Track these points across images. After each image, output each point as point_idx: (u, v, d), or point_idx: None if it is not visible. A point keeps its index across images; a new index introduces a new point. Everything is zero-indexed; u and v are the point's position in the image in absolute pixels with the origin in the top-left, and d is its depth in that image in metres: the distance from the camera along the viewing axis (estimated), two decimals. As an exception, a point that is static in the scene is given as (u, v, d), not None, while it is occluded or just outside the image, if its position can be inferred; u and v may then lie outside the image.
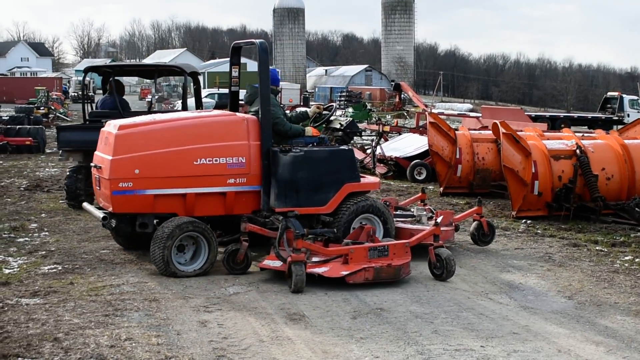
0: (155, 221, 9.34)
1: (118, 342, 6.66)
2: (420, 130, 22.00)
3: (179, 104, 49.27)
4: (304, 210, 9.65)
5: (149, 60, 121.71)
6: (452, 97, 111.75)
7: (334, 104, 11.78)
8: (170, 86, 79.06)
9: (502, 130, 13.65)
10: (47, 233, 11.64)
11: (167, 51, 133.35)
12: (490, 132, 15.71)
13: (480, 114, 26.79)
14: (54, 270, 9.35)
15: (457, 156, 16.40)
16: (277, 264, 8.94)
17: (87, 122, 14.33)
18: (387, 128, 22.09)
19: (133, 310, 7.70)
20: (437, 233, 9.34)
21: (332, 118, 10.82)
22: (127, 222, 9.40)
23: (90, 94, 66.22)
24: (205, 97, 49.20)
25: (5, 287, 8.53)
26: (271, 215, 9.66)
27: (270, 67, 10.17)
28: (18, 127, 26.29)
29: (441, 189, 16.70)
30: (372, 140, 21.45)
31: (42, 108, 43.23)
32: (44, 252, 10.28)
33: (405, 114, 40.36)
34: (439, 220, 10.06)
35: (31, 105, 45.93)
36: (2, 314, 7.49)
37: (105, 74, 14.66)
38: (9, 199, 15.24)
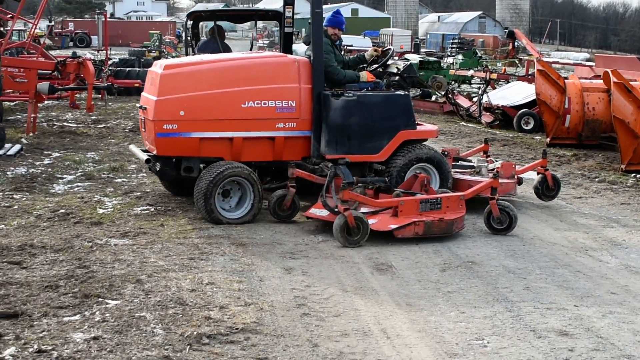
0: (201, 165, 9.09)
1: (199, 286, 6.59)
2: (529, 78, 21.24)
3: (392, 48, 48.94)
4: (356, 157, 9.30)
5: (261, 6, 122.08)
6: (569, 46, 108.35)
7: (391, 47, 11.23)
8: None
9: (613, 79, 12.98)
10: (144, 174, 11.71)
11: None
12: (602, 81, 15.00)
13: (594, 63, 25.72)
14: (146, 211, 9.38)
15: (566, 106, 15.72)
16: (323, 213, 8.55)
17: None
18: (494, 76, 21.39)
19: (219, 254, 7.63)
20: (495, 185, 8.76)
21: (390, 62, 10.32)
22: (172, 166, 9.19)
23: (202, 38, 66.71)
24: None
25: (97, 227, 8.59)
26: (321, 162, 9.30)
27: (338, 7, 9.78)
28: (128, 69, 26.70)
29: (548, 139, 16.07)
30: (479, 88, 20.83)
31: (154, 51, 43.90)
32: (139, 193, 10.34)
33: (518, 62, 39.22)
34: (497, 172, 9.55)
35: (143, 49, 46.73)
36: (90, 253, 7.53)
37: (198, 19, 14.61)
38: (113, 140, 15.46)
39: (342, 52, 10.23)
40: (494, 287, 6.88)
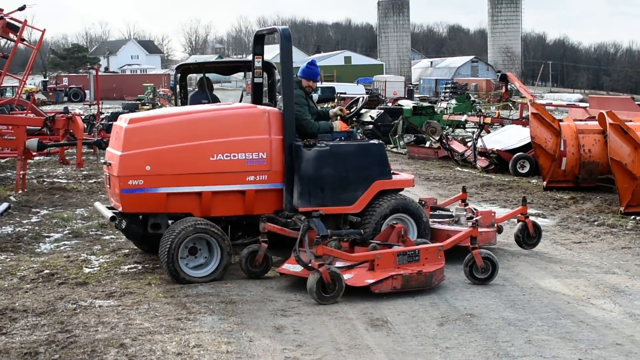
0: (170, 222, 8.77)
1: (186, 349, 6.30)
2: (523, 121, 21.14)
3: (363, 97, 49.17)
4: (330, 209, 8.92)
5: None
6: (561, 87, 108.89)
7: (364, 95, 11.01)
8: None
9: (608, 120, 12.80)
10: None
11: (272, 46, 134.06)
12: (597, 122, 14.82)
13: (587, 104, 25.62)
14: (134, 269, 9.11)
15: (562, 148, 15.54)
16: (297, 268, 8.15)
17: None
18: (488, 120, 21.30)
19: (207, 313, 7.34)
20: (475, 235, 8.43)
21: (362, 111, 10.11)
22: (139, 223, 8.84)
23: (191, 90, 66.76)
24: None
25: (82, 287, 8.32)
26: (294, 215, 8.97)
27: (312, 58, 9.59)
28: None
29: (544, 183, 15.85)
30: (473, 133, 20.68)
31: (147, 104, 43.93)
32: (127, 251, 10.07)
33: (511, 105, 39.18)
34: (477, 220, 9.31)
35: (137, 102, 46.79)
36: (74, 316, 7.24)
37: (186, 72, 14.47)
38: (103, 195, 15.18)
39: (317, 104, 9.92)
40: (494, 341, 6.59)
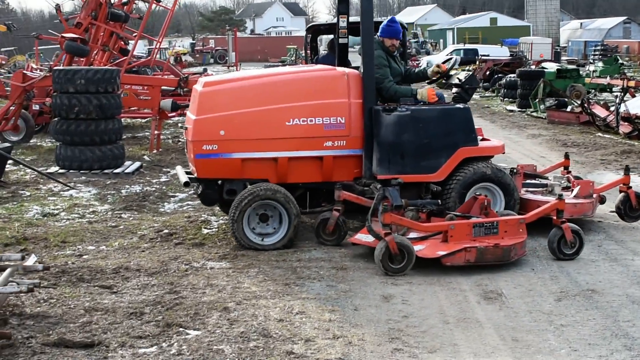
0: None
1: (288, 316, 6.18)
2: (672, 85, 19.92)
3: (424, 60, 48.68)
4: (411, 177, 8.50)
5: (399, 17, 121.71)
6: None
7: (455, 56, 10.30)
8: (418, 43, 78.23)
9: None
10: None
11: (416, 8, 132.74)
12: None
13: None
14: (251, 232, 9.07)
15: None
16: (369, 238, 7.84)
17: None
18: (632, 83, 20.17)
19: (316, 279, 7.21)
20: (561, 208, 7.84)
21: (452, 72, 9.48)
22: (215, 189, 8.66)
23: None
24: (450, 52, 48.03)
25: (197, 249, 8.35)
26: (372, 182, 8.58)
27: (392, 16, 9.10)
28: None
29: (692, 151, 14.90)
30: (617, 97, 19.67)
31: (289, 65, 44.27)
32: (247, 212, 10.05)
33: (665, 68, 37.29)
34: (567, 192, 8.73)
35: (279, 63, 47.16)
36: (184, 277, 7.25)
37: (317, 32, 14.30)
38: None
39: (405, 64, 9.41)
40: (614, 320, 6.15)
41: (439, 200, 8.51)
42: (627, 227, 9.17)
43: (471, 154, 8.66)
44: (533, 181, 9.84)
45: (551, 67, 30.01)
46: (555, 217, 7.86)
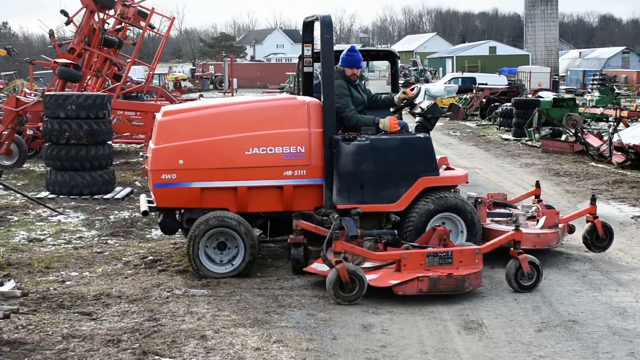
0: None
1: (265, 345, 6.16)
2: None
3: (423, 88, 48.80)
4: (370, 207, 8.43)
5: (400, 45, 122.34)
6: None
7: (418, 85, 10.24)
8: (418, 71, 78.51)
9: None
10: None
11: (416, 36, 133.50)
12: None
13: None
14: (236, 259, 9.04)
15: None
16: (325, 267, 7.69)
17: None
18: (624, 113, 20.25)
19: (297, 307, 7.18)
20: (517, 238, 7.73)
21: (416, 102, 9.42)
22: (174, 217, 8.68)
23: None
24: (449, 81, 48.21)
25: (181, 275, 8.33)
26: (331, 212, 8.54)
27: (352, 45, 9.06)
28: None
29: (684, 181, 14.89)
30: (610, 126, 19.70)
31: (286, 92, 44.40)
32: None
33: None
34: (532, 222, 8.71)
35: (277, 90, 47.33)
36: (165, 305, 7.23)
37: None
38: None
39: (365, 92, 9.33)
40: (593, 351, 6.13)
41: (395, 231, 8.44)
42: (614, 257, 9.15)
43: (432, 184, 8.60)
44: (499, 210, 9.75)
45: (548, 96, 30.16)
46: (512, 249, 7.80)
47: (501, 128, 27.80)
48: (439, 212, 8.52)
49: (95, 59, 17.42)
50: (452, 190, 8.91)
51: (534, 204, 9.97)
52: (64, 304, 7.22)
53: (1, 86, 40.90)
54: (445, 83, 46.87)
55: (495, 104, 32.39)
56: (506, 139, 24.56)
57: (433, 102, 9.39)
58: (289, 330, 6.55)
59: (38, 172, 16.38)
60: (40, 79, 36.57)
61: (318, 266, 7.99)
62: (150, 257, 9.08)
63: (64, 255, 9.19)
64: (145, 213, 8.75)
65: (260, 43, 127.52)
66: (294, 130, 8.41)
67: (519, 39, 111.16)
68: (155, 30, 19.95)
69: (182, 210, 8.62)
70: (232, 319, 6.82)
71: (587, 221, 9.37)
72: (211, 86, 69.12)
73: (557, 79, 67.04)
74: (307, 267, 8.16)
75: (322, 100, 8.49)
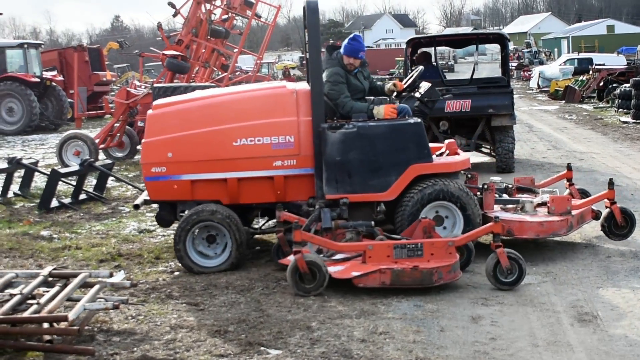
0: None
1: (371, 336, 6.07)
2: None
3: (536, 70, 47.63)
4: (359, 197, 8.16)
5: (513, 26, 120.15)
6: None
7: (421, 67, 9.66)
8: (531, 52, 76.88)
9: None
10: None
11: (530, 16, 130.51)
12: None
13: None
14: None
15: None
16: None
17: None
18: None
19: (404, 298, 7.07)
20: (496, 231, 7.32)
21: (418, 86, 8.91)
22: (169, 211, 8.63)
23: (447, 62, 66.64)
24: (564, 62, 46.92)
25: (288, 265, 8.31)
26: (318, 203, 8.23)
27: (355, 33, 8.75)
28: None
29: None
30: None
31: (394, 78, 44.13)
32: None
33: None
34: (543, 209, 8.33)
35: (385, 76, 47.06)
36: (271, 295, 7.23)
37: (417, 45, 14.26)
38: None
39: (368, 80, 8.98)
40: None
41: (373, 222, 8.09)
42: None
43: (424, 171, 8.26)
44: (508, 197, 9.23)
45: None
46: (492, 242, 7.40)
47: (619, 110, 26.84)
48: (431, 201, 8.19)
49: (203, 50, 17.65)
50: (468, 176, 8.67)
51: (566, 187, 9.56)
52: (172, 295, 7.32)
53: (114, 79, 42.00)
54: (560, 65, 45.56)
55: (613, 85, 31.28)
56: (625, 122, 23.69)
57: (430, 85, 8.99)
58: (395, 321, 6.44)
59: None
60: (152, 71, 37.36)
61: (291, 257, 7.69)
62: (258, 248, 9.11)
63: (173, 246, 9.30)
64: (136, 207, 8.88)
65: (369, 29, 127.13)
66: (282, 119, 8.24)
67: (639, 16, 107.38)
68: (261, 19, 20.02)
69: (171, 204, 8.63)
70: (338, 310, 6.77)
71: (605, 207, 8.89)
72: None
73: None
74: (281, 260, 8.00)
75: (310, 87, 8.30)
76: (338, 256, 7.69)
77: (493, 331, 6.23)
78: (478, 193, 8.71)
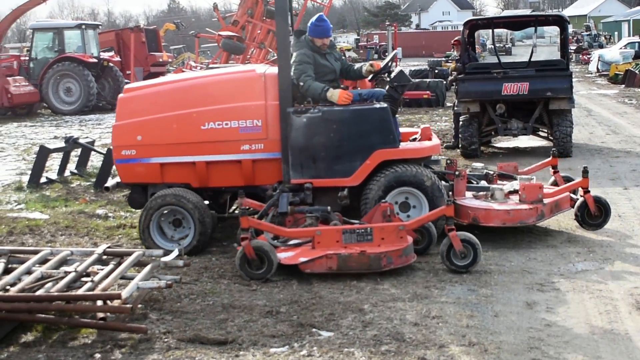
0: None
1: (424, 320, 6.02)
2: None
3: (595, 54, 46.80)
4: (324, 182, 8.11)
5: (572, 9, 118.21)
6: None
7: (395, 51, 9.45)
8: (591, 36, 75.50)
9: None
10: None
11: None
12: None
13: None
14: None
15: None
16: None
17: (465, 74, 14.10)
18: None
19: (458, 282, 6.99)
20: (448, 214, 7.21)
21: (391, 70, 8.76)
22: (141, 193, 8.63)
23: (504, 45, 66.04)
24: (624, 46, 46.02)
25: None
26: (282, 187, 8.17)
27: (320, 14, 8.61)
28: (418, 80, 26.48)
29: None
30: None
31: (450, 61, 43.63)
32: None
33: None
34: (514, 196, 8.22)
35: (440, 59, 46.61)
36: (324, 277, 7.19)
37: (474, 27, 14.12)
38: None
39: (340, 61, 8.85)
40: None
41: (329, 207, 7.94)
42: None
43: (389, 157, 8.16)
44: (478, 185, 9.02)
45: None
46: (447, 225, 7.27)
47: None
48: (395, 187, 8.09)
49: (258, 31, 17.67)
50: (447, 162, 8.68)
51: (551, 175, 9.39)
52: (225, 274, 7.34)
53: (170, 60, 42.30)
54: (620, 48, 44.71)
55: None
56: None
57: (400, 69, 8.80)
58: (448, 305, 6.38)
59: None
60: (208, 52, 37.54)
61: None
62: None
63: (227, 225, 9.34)
64: (106, 189, 9.07)
65: (426, 11, 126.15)
66: (250, 103, 8.20)
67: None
68: (317, 0, 19.96)
69: (143, 187, 8.69)
70: (391, 292, 6.72)
71: (580, 196, 8.69)
72: (375, 55, 69.01)
73: None
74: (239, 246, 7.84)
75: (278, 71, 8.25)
76: (293, 242, 7.64)
77: (548, 318, 6.13)
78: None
